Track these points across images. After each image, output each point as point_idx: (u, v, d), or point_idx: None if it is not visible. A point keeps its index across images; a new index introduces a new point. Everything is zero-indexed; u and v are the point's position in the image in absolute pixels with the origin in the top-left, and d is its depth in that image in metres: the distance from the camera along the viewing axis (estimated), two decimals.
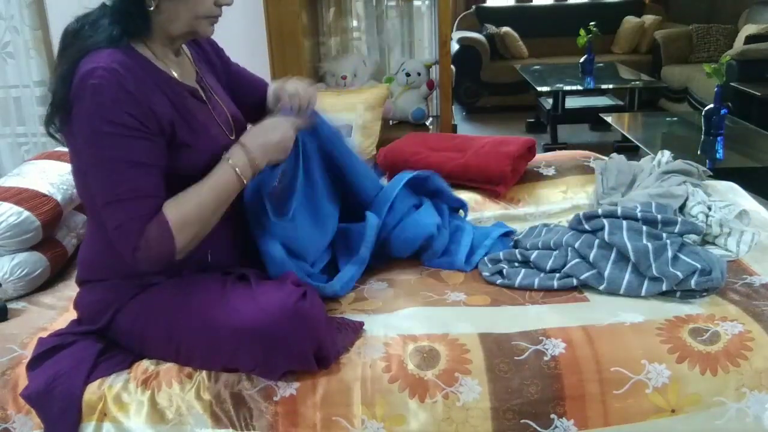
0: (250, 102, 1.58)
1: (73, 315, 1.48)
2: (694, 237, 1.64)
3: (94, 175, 1.23)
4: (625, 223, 1.54)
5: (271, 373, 1.28)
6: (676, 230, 1.53)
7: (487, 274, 1.60)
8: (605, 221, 1.56)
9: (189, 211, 1.25)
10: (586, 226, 1.60)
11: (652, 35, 6.30)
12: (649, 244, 1.47)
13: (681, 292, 1.45)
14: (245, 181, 1.33)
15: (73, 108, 1.21)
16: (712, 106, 3.30)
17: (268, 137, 1.38)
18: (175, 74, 1.35)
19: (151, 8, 1.27)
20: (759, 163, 3.11)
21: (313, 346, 1.25)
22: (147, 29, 1.30)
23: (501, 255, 1.64)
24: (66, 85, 1.22)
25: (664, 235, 1.51)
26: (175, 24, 1.30)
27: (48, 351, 1.35)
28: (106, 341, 1.38)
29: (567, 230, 1.65)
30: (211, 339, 1.27)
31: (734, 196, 1.95)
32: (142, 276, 1.34)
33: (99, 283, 1.38)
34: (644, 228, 1.53)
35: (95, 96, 1.19)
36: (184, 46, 1.43)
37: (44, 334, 1.42)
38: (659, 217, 1.54)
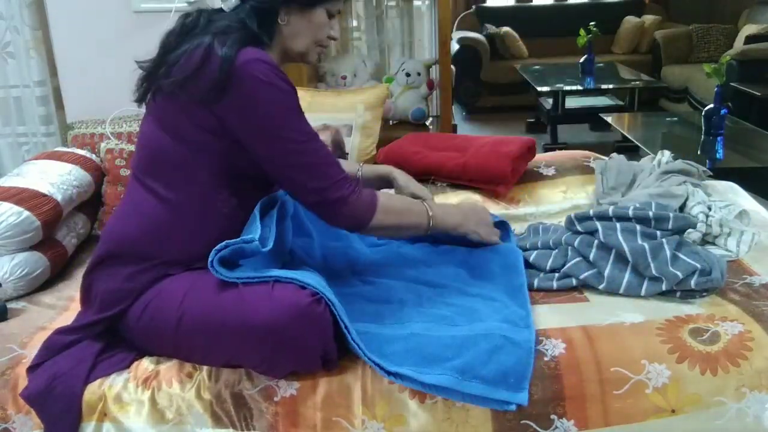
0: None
1: (73, 314, 1.48)
2: (694, 236, 1.64)
3: (287, 148, 1.31)
4: (618, 224, 1.54)
5: (276, 372, 1.28)
6: (670, 226, 1.53)
7: None
8: (598, 223, 1.56)
9: (395, 205, 1.46)
10: (579, 228, 1.60)
11: (652, 35, 6.30)
12: (645, 244, 1.47)
13: (681, 292, 1.45)
14: (430, 224, 1.49)
15: (241, 90, 1.27)
16: (712, 106, 3.30)
17: (473, 219, 1.59)
18: None
19: (283, 22, 1.39)
20: (759, 163, 3.11)
21: (321, 348, 1.25)
22: (271, 39, 1.39)
23: None
24: (228, 66, 1.27)
25: (659, 233, 1.51)
26: (296, 42, 1.42)
27: (49, 351, 1.34)
28: (107, 339, 1.37)
29: (566, 230, 1.65)
30: (219, 330, 1.26)
31: (734, 196, 1.95)
32: (166, 261, 1.35)
33: (118, 269, 1.35)
34: (638, 228, 1.53)
35: (274, 79, 1.29)
36: None
37: (44, 334, 1.42)
38: (650, 213, 1.54)
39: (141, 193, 1.38)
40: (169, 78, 1.32)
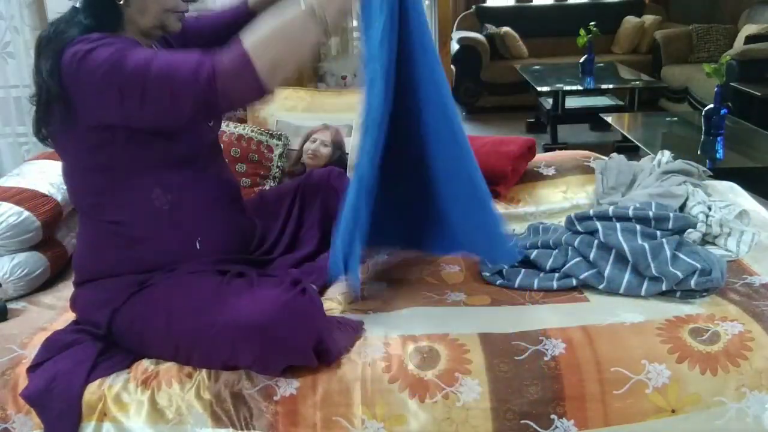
0: (230, 31, 1.51)
1: (73, 315, 1.48)
2: (694, 236, 1.64)
3: (130, 76, 1.22)
4: (618, 224, 1.54)
5: (270, 369, 1.28)
6: (670, 226, 1.53)
7: (486, 274, 1.60)
8: (598, 223, 1.56)
9: (264, 34, 1.23)
10: (579, 228, 1.60)
11: (652, 35, 6.30)
12: (646, 244, 1.47)
13: (681, 292, 1.45)
14: (315, 17, 1.24)
15: (76, 77, 1.23)
16: (712, 106, 3.30)
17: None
18: None
19: (121, 2, 1.31)
20: (759, 163, 3.10)
21: (311, 339, 1.25)
22: (119, 23, 1.34)
23: None
24: (56, 77, 1.24)
25: (659, 233, 1.51)
26: (145, 17, 1.34)
27: (49, 351, 1.35)
28: (106, 341, 1.37)
29: (566, 230, 1.65)
30: (209, 335, 1.27)
31: (734, 196, 1.95)
32: (137, 273, 1.35)
33: (94, 283, 1.39)
34: (638, 227, 1.53)
35: (90, 45, 1.23)
36: (156, 44, 1.46)
37: (44, 335, 1.42)
38: (650, 213, 1.54)
39: (82, 223, 1.43)
40: (37, 116, 1.32)
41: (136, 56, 1.24)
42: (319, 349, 1.27)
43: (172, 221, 1.39)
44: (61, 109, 1.27)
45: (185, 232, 1.41)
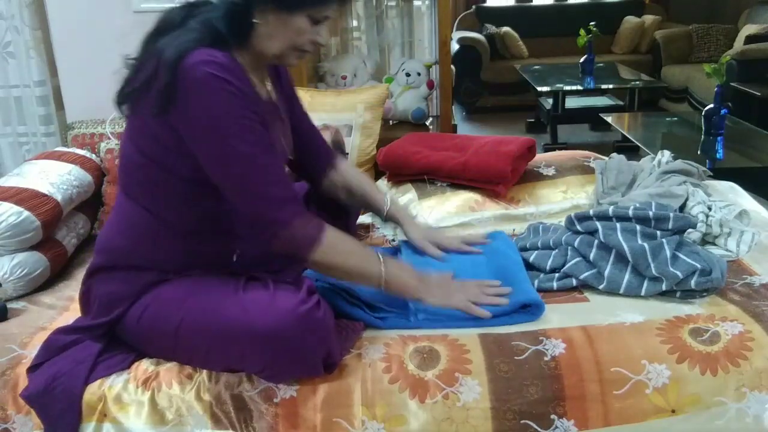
0: (306, 158, 1.64)
1: (73, 314, 1.48)
2: (694, 236, 1.64)
3: (230, 160, 1.23)
4: (618, 224, 1.54)
5: (277, 378, 1.28)
6: (670, 226, 1.53)
7: None
8: (598, 223, 1.56)
9: (342, 246, 1.34)
10: (579, 228, 1.60)
11: (652, 35, 6.30)
12: (646, 244, 1.47)
13: (681, 292, 1.45)
14: (382, 277, 1.36)
15: (188, 95, 1.21)
16: (712, 106, 3.30)
17: (442, 295, 1.41)
18: (256, 87, 1.36)
19: (257, 21, 1.29)
20: (759, 163, 3.10)
21: (322, 354, 1.25)
22: (246, 40, 1.32)
23: None
24: (173, 71, 1.21)
25: (659, 233, 1.51)
26: (271, 44, 1.32)
27: (49, 351, 1.34)
28: (107, 340, 1.37)
29: (566, 230, 1.65)
30: (220, 338, 1.26)
31: (734, 196, 1.95)
32: (163, 270, 1.34)
33: (116, 273, 1.36)
34: (638, 227, 1.53)
35: (220, 85, 1.21)
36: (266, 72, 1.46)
37: (44, 334, 1.42)
38: (651, 213, 1.54)
39: (126, 204, 1.38)
40: (130, 89, 1.30)
41: (253, 134, 1.25)
42: (326, 362, 1.27)
43: (216, 231, 1.37)
44: (162, 99, 1.23)
45: (226, 244, 1.40)
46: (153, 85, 1.23)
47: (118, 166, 1.41)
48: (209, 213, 1.35)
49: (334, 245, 1.32)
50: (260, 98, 1.36)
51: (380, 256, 1.37)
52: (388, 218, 1.70)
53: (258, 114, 1.27)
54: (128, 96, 1.31)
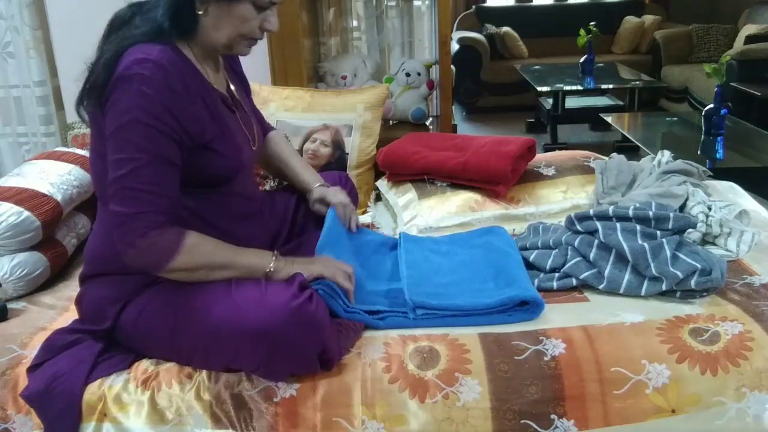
0: None
1: (73, 314, 1.48)
2: (694, 236, 1.64)
3: (117, 160, 1.23)
4: (618, 224, 1.54)
5: (274, 375, 1.28)
6: (670, 226, 1.53)
7: None
8: (598, 223, 1.56)
9: (204, 250, 1.28)
10: (579, 227, 1.60)
11: (652, 35, 6.30)
12: (646, 244, 1.47)
13: (681, 292, 1.45)
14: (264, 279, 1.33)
15: (113, 92, 1.22)
16: (712, 106, 3.30)
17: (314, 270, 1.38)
18: (210, 79, 1.37)
19: (200, 12, 1.29)
20: (759, 163, 3.10)
21: (317, 349, 1.25)
22: (193, 31, 1.32)
23: None
24: (109, 69, 1.22)
25: (659, 233, 1.51)
26: (217, 34, 1.32)
27: (49, 351, 1.34)
28: (106, 341, 1.37)
29: (566, 230, 1.65)
30: (214, 337, 1.26)
31: (734, 196, 1.95)
32: (145, 271, 1.33)
33: (105, 278, 1.37)
34: (638, 227, 1.53)
35: (141, 85, 1.21)
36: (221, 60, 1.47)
37: (44, 335, 1.42)
38: (651, 213, 1.54)
39: (104, 212, 1.38)
40: (81, 92, 1.30)
41: (150, 141, 1.23)
42: (323, 357, 1.27)
43: (192, 226, 1.35)
44: (97, 97, 1.25)
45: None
46: (96, 86, 1.25)
47: (91, 177, 1.42)
48: (187, 213, 1.34)
49: (194, 248, 1.27)
50: (212, 88, 1.36)
51: (270, 266, 1.33)
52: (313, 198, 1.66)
53: (179, 118, 1.25)
54: (80, 99, 1.31)
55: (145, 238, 1.22)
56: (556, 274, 1.55)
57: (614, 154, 2.09)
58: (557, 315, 1.41)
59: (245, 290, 1.28)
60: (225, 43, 1.34)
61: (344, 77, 3.12)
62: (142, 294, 1.34)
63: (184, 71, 1.27)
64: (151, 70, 1.21)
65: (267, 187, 2.24)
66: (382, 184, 2.19)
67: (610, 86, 5.08)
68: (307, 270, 1.35)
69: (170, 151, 1.25)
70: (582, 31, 5.19)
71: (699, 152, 3.17)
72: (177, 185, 1.27)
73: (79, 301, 1.42)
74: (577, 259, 1.54)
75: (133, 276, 1.34)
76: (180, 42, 1.32)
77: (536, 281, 1.54)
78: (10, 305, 1.64)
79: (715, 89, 3.28)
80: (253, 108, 1.67)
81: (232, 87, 1.49)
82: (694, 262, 1.44)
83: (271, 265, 1.33)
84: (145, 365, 1.34)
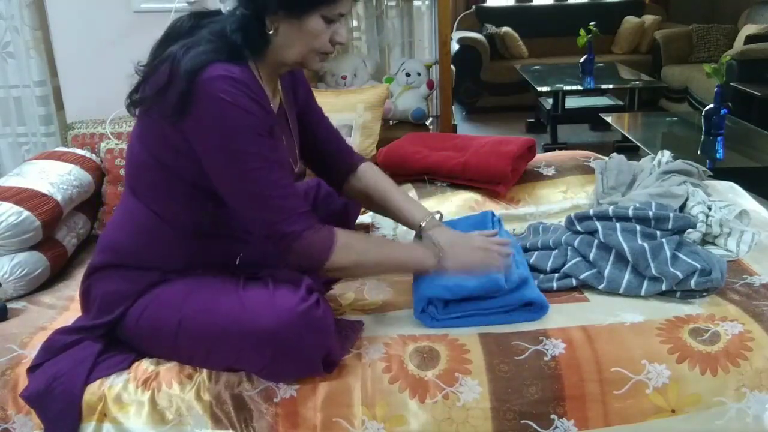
0: (327, 161, 1.61)
1: (73, 314, 1.48)
2: (694, 236, 1.64)
3: (238, 174, 1.24)
4: (618, 224, 1.54)
5: (277, 377, 1.28)
6: (670, 226, 1.53)
7: None
8: (598, 223, 1.56)
9: (358, 247, 1.35)
10: (579, 227, 1.60)
11: (652, 35, 6.30)
12: (645, 244, 1.47)
13: (681, 292, 1.45)
14: (427, 270, 1.39)
15: (200, 107, 1.21)
16: (712, 106, 3.30)
17: (462, 259, 1.41)
18: (271, 100, 1.35)
19: (270, 32, 1.28)
20: (759, 163, 3.11)
21: (322, 353, 1.25)
22: (263, 50, 1.31)
23: None
24: (190, 81, 1.21)
25: (659, 233, 1.51)
26: (289, 52, 1.32)
27: (49, 352, 1.34)
28: (107, 339, 1.37)
29: (566, 230, 1.65)
30: (218, 336, 1.26)
31: (734, 196, 1.95)
32: (164, 270, 1.34)
33: (117, 270, 1.36)
34: (638, 227, 1.53)
35: (232, 99, 1.21)
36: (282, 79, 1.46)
37: (44, 334, 1.42)
38: (651, 213, 1.54)
39: (132, 203, 1.38)
40: (142, 93, 1.29)
41: (267, 149, 1.26)
42: (326, 360, 1.27)
43: (221, 234, 1.38)
44: (177, 107, 1.23)
45: (230, 246, 1.40)
46: (168, 92, 1.23)
47: (125, 164, 1.41)
48: (214, 216, 1.35)
49: (348, 247, 1.32)
50: (272, 111, 1.35)
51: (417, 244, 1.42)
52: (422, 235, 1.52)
53: (271, 128, 1.28)
54: (141, 101, 1.31)
55: (301, 241, 1.26)
56: (556, 275, 1.55)
57: (614, 154, 2.09)
58: (557, 315, 1.41)
59: (253, 292, 1.28)
60: (297, 60, 1.34)
61: (344, 77, 3.12)
62: (150, 292, 1.34)
63: (257, 87, 1.28)
64: (236, 86, 1.22)
65: None
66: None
67: (610, 86, 5.08)
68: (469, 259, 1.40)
69: (281, 154, 1.31)
70: (582, 31, 5.19)
71: (699, 152, 3.17)
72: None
73: (86, 294, 1.41)
74: (577, 259, 1.54)
75: (147, 271, 1.34)
76: (250, 61, 1.31)
77: (536, 281, 1.54)
78: (10, 305, 1.64)
79: (715, 89, 3.28)
80: (333, 131, 1.63)
81: (287, 106, 1.47)
82: (694, 262, 1.44)
83: (433, 260, 1.38)
84: (145, 365, 1.34)
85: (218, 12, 1.35)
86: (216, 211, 1.34)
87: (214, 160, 1.25)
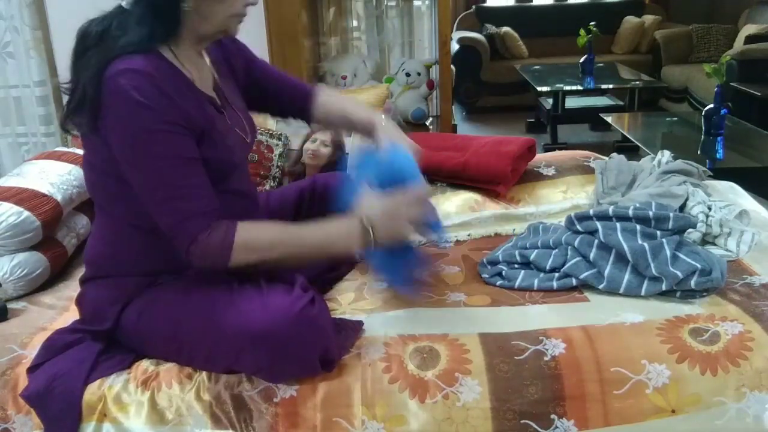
0: (286, 106, 1.59)
1: (73, 314, 1.48)
2: (694, 236, 1.64)
3: (143, 175, 1.23)
4: (618, 224, 1.54)
5: (276, 378, 1.28)
6: (670, 226, 1.53)
7: (486, 276, 1.60)
8: (598, 223, 1.56)
9: (261, 240, 1.27)
10: (579, 227, 1.60)
11: (652, 35, 6.30)
12: (646, 244, 1.47)
13: (681, 292, 1.45)
14: (354, 253, 1.34)
15: (107, 110, 1.20)
16: (712, 106, 3.30)
17: (394, 230, 1.33)
18: (195, 81, 1.32)
19: (187, 7, 1.25)
20: (759, 163, 3.11)
21: (319, 352, 1.25)
22: (177, 31, 1.28)
23: (500, 256, 1.64)
24: (95, 85, 1.19)
25: (659, 233, 1.51)
26: (209, 23, 1.29)
27: (49, 351, 1.34)
28: (107, 341, 1.37)
29: (566, 230, 1.65)
30: (215, 339, 1.26)
31: (734, 196, 1.95)
32: (149, 274, 1.34)
33: (104, 280, 1.37)
34: (638, 227, 1.53)
35: (136, 96, 1.18)
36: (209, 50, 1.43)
37: (44, 335, 1.42)
38: (650, 213, 1.54)
39: (102, 216, 1.39)
40: (67, 111, 1.28)
41: (171, 146, 1.22)
42: (324, 359, 1.27)
43: None
44: (90, 116, 1.22)
45: None
46: (84, 102, 1.22)
47: (86, 182, 1.42)
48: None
49: (249, 246, 1.26)
50: (198, 90, 1.31)
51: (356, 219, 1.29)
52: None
53: (187, 116, 1.24)
54: (68, 118, 1.29)
55: (197, 244, 1.23)
56: (556, 274, 1.55)
57: (614, 154, 2.09)
58: (557, 315, 1.41)
59: (247, 293, 1.28)
60: (218, 30, 1.31)
61: (344, 77, 3.12)
62: (142, 294, 1.34)
63: (170, 75, 1.24)
64: (138, 79, 1.19)
65: (267, 187, 2.24)
66: None
67: (610, 86, 5.08)
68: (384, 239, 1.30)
69: (188, 149, 1.24)
70: (582, 31, 5.19)
71: (699, 152, 3.17)
72: (206, 178, 1.27)
73: (80, 302, 1.43)
74: (577, 259, 1.54)
75: (132, 278, 1.35)
76: (162, 47, 1.27)
77: (536, 281, 1.54)
78: (10, 305, 1.64)
79: (715, 89, 3.28)
80: (279, 77, 1.59)
81: (222, 83, 1.44)
82: (694, 262, 1.44)
83: (358, 240, 1.29)
84: (145, 365, 1.34)
85: (120, 8, 1.29)
86: None
87: (122, 161, 1.24)
